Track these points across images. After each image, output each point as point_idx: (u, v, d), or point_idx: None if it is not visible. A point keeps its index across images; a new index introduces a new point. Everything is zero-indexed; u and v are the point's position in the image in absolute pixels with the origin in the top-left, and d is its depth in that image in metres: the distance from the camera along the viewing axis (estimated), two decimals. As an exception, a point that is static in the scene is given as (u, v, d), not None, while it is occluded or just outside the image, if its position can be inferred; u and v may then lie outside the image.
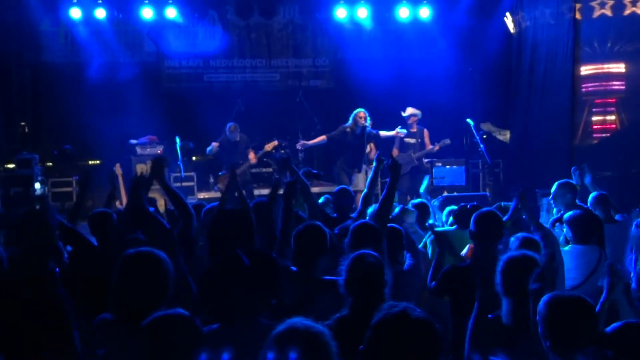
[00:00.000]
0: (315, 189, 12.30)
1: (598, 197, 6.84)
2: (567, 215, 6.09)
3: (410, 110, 12.71)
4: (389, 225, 5.22)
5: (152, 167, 5.23)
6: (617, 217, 6.81)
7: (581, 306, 3.09)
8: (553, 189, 7.11)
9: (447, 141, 12.62)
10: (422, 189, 9.89)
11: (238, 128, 12.60)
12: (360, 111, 11.82)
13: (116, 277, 3.60)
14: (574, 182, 7.79)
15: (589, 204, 6.88)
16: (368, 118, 11.74)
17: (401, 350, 2.28)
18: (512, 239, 4.89)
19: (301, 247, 4.35)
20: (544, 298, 3.20)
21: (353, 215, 6.19)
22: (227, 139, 12.55)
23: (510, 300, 3.67)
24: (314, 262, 4.34)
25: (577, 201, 7.40)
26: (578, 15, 13.33)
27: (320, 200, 7.69)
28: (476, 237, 4.78)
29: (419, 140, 12.73)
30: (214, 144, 12.58)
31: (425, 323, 2.33)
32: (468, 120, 12.42)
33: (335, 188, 7.10)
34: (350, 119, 11.88)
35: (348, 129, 11.90)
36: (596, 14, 13.49)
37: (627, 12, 13.34)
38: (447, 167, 13.11)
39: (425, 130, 12.85)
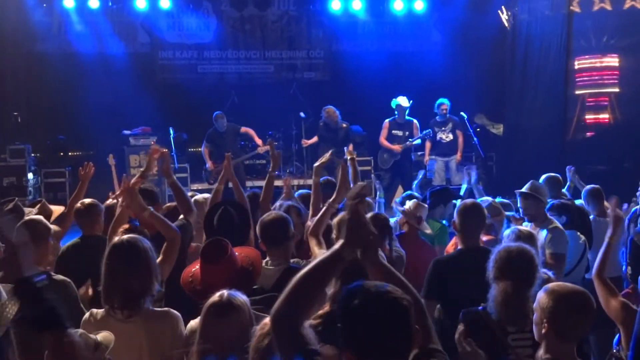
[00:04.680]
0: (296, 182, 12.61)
1: (591, 191, 6.89)
2: (549, 203, 6.13)
3: (402, 100, 12.28)
4: (373, 212, 5.27)
5: (149, 158, 5.37)
6: (609, 211, 6.83)
7: (585, 301, 3.12)
8: (540, 182, 7.13)
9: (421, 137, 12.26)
10: (414, 184, 9.91)
11: (224, 116, 12.61)
12: (328, 108, 12.32)
13: (105, 265, 3.67)
14: (568, 178, 7.85)
15: (582, 198, 6.93)
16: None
17: (371, 328, 2.27)
18: (507, 231, 4.90)
19: (268, 235, 4.40)
20: (546, 287, 3.21)
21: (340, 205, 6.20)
22: (215, 131, 12.58)
23: (498, 287, 3.65)
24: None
25: (567, 194, 7.46)
26: (576, 9, 13.35)
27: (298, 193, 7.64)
28: (460, 230, 4.74)
29: (407, 132, 12.31)
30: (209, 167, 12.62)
31: (388, 294, 2.32)
32: (462, 113, 12.42)
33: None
34: (322, 115, 12.43)
35: (321, 124, 12.46)
36: (595, 7, 13.50)
37: (626, 5, 13.36)
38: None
39: (415, 122, 12.39)
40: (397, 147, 12.13)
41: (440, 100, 12.34)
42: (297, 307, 2.38)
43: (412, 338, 2.32)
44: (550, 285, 3.22)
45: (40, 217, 4.80)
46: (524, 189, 5.98)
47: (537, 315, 3.17)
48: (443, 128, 12.35)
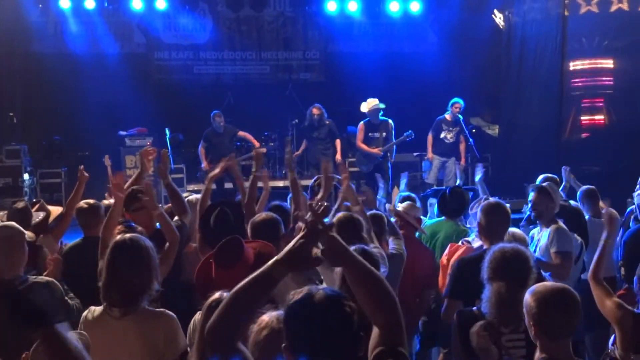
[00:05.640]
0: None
1: (586, 192, 6.91)
2: None
3: (371, 103, 11.84)
4: (371, 211, 5.32)
5: (142, 159, 5.44)
6: (604, 211, 6.86)
7: (567, 298, 3.12)
8: (537, 182, 7.16)
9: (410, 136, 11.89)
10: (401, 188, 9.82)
11: (222, 116, 12.53)
12: (313, 107, 12.33)
13: (106, 262, 3.70)
14: (563, 179, 7.87)
15: (577, 199, 6.95)
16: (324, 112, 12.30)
17: (311, 333, 2.26)
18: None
19: (259, 235, 4.41)
20: (531, 289, 3.22)
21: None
22: (212, 131, 12.53)
23: (492, 288, 3.66)
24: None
25: (562, 194, 7.48)
26: (567, 11, 13.40)
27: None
28: (485, 230, 4.69)
29: (384, 133, 11.86)
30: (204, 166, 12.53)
31: (330, 300, 2.30)
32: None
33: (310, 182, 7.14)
34: (307, 115, 12.49)
35: (306, 124, 12.52)
36: (582, 10, 13.57)
37: (613, 8, 13.44)
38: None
39: (390, 122, 11.94)
40: (376, 150, 11.80)
41: (455, 99, 12.06)
42: (230, 322, 2.37)
43: (354, 343, 2.30)
44: (534, 286, 3.22)
45: (13, 223, 4.80)
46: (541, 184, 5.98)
47: (526, 319, 3.18)
48: (450, 128, 12.11)
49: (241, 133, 12.80)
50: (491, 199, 5.04)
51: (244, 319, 2.43)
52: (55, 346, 2.09)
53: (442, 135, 12.19)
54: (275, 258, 2.34)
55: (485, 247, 4.71)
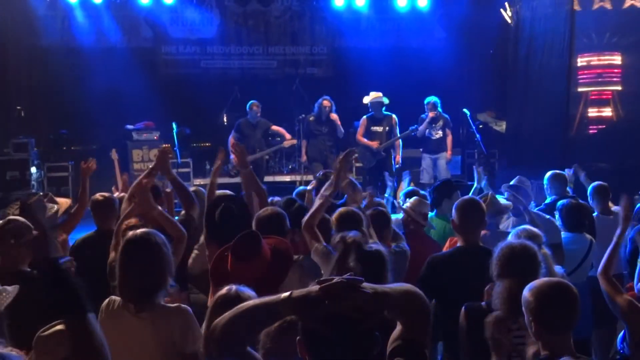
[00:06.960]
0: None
1: (597, 188, 6.84)
2: (559, 203, 6.13)
3: (373, 95, 11.75)
4: (375, 208, 5.30)
5: (158, 157, 5.36)
6: (614, 208, 6.83)
7: (564, 291, 3.10)
8: (545, 179, 7.15)
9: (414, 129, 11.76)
10: (404, 186, 9.77)
11: (260, 107, 12.17)
12: (324, 99, 11.89)
13: (119, 259, 3.68)
14: (571, 177, 7.84)
15: (588, 195, 6.91)
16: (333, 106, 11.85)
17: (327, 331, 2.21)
18: (512, 231, 4.87)
19: (265, 230, 4.39)
20: (529, 285, 3.18)
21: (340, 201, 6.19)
22: (246, 121, 12.17)
23: (502, 284, 3.65)
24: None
25: (570, 191, 7.46)
26: (576, 7, 13.36)
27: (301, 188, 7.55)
28: (459, 227, 4.67)
29: (387, 128, 11.69)
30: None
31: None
32: (464, 110, 12.40)
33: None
34: (315, 108, 12.03)
35: (311, 118, 12.06)
36: (595, 6, 13.53)
37: (626, 5, 13.40)
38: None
39: (394, 116, 11.74)
40: (374, 144, 11.60)
41: (425, 100, 12.01)
42: (238, 331, 2.32)
43: (369, 343, 2.24)
44: (532, 283, 3.20)
45: (20, 217, 4.83)
46: (511, 182, 6.05)
47: (525, 315, 3.16)
48: (433, 125, 11.93)
49: (274, 127, 12.51)
50: (465, 197, 5.01)
51: (250, 331, 2.40)
52: (83, 335, 2.07)
53: (427, 133, 12.01)
54: (286, 295, 2.21)
55: (459, 244, 4.73)
